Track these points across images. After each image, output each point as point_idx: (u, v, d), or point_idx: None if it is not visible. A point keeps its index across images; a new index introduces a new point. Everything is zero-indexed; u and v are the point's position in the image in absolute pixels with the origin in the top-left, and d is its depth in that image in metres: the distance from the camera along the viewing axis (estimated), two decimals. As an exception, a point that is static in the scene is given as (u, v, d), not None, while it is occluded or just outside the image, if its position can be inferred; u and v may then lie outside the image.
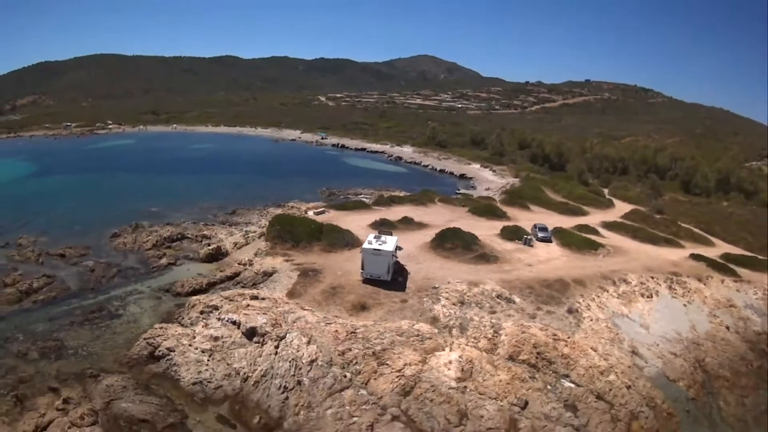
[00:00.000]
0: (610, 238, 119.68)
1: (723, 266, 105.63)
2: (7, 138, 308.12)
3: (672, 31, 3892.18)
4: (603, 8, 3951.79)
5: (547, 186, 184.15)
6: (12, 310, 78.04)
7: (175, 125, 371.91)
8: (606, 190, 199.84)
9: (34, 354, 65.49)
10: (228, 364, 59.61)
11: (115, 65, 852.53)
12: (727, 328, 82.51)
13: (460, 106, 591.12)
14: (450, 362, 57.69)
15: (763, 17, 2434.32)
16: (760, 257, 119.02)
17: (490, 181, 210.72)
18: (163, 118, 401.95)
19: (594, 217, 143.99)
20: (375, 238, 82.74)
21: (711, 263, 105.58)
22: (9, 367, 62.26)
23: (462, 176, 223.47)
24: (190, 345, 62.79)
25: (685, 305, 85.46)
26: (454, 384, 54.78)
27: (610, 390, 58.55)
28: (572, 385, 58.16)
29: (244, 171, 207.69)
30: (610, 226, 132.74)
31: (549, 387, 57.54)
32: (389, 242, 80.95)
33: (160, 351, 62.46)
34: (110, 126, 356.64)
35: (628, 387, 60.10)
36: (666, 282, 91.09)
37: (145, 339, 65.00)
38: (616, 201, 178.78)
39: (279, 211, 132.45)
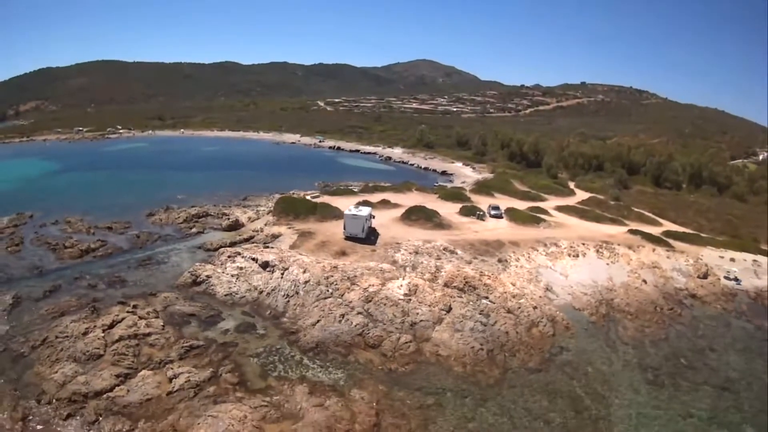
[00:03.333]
0: (558, 217, 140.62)
1: (657, 239, 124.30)
2: (21, 142, 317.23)
3: (669, 33, 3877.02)
4: (602, 11, 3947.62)
5: (517, 179, 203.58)
6: (76, 262, 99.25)
7: (182, 129, 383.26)
8: (572, 183, 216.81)
9: (102, 285, 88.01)
10: (249, 283, 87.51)
11: (116, 71, 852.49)
12: (644, 281, 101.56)
13: (455, 109, 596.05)
14: (401, 285, 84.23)
15: (761, 17, 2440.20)
16: (702, 235, 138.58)
17: (467, 176, 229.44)
18: (169, 123, 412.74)
19: (550, 203, 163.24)
20: (354, 207, 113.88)
21: (646, 236, 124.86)
22: (82, 294, 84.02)
23: (443, 172, 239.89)
24: (222, 273, 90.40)
25: (608, 264, 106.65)
26: (402, 297, 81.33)
27: (519, 308, 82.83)
28: (488, 302, 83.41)
29: (251, 168, 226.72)
30: (562, 208, 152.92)
31: (470, 302, 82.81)
32: (364, 210, 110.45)
33: (200, 278, 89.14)
34: (120, 130, 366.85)
35: (534, 308, 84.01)
36: (595, 247, 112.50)
37: (188, 272, 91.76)
38: (580, 191, 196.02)
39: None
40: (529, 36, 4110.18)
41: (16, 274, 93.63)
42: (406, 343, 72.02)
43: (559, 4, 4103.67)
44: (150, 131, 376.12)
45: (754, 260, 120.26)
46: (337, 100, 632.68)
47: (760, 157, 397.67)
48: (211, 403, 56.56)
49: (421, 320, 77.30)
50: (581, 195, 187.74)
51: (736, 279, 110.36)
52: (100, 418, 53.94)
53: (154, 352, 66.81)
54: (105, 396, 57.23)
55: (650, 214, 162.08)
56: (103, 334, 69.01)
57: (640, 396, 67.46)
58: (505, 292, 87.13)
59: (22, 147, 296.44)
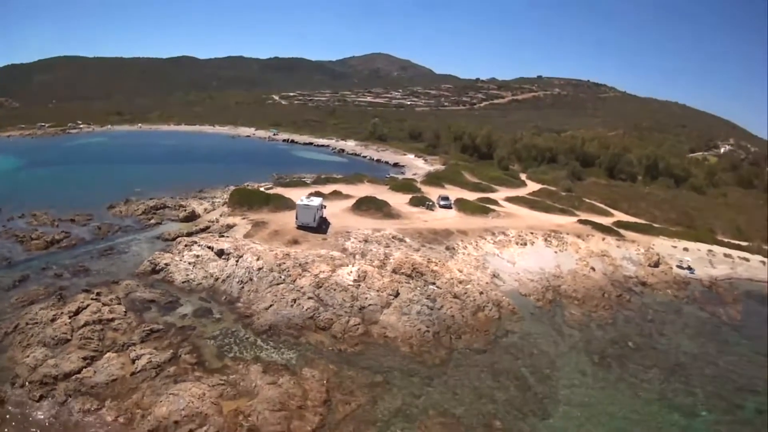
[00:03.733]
0: (508, 208, 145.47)
1: (608, 228, 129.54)
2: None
3: (629, 25, 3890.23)
4: (560, 3, 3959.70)
5: (468, 171, 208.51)
6: (42, 253, 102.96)
7: (140, 124, 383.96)
8: (524, 175, 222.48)
9: (67, 275, 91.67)
10: (205, 271, 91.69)
11: (77, 68, 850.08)
12: (593, 269, 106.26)
13: (409, 103, 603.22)
14: (351, 272, 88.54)
15: (723, 11, 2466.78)
16: (654, 225, 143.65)
17: (419, 168, 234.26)
18: (128, 118, 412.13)
19: (500, 194, 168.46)
20: (306, 197, 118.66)
21: (596, 226, 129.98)
22: (49, 283, 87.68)
23: (395, 164, 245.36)
24: (180, 261, 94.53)
25: (556, 252, 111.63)
26: (351, 283, 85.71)
27: (465, 293, 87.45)
28: (435, 288, 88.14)
29: (207, 161, 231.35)
30: (512, 199, 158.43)
31: (418, 288, 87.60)
32: (316, 201, 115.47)
33: (159, 267, 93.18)
34: (81, 126, 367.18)
35: (481, 293, 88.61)
36: (543, 236, 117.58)
37: (148, 261, 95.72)
38: (531, 183, 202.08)
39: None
40: (484, 30, 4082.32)
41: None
42: (355, 325, 76.46)
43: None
44: (109, 126, 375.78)
45: (709, 250, 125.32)
46: (291, 93, 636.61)
47: (722, 150, 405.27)
48: (171, 382, 60.42)
49: (369, 304, 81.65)
50: (533, 186, 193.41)
51: (689, 268, 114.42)
52: (70, 399, 57.45)
53: (117, 335, 70.67)
54: (73, 378, 60.82)
55: (602, 205, 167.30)
56: (69, 320, 72.58)
57: (586, 377, 70.60)
58: (452, 278, 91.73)
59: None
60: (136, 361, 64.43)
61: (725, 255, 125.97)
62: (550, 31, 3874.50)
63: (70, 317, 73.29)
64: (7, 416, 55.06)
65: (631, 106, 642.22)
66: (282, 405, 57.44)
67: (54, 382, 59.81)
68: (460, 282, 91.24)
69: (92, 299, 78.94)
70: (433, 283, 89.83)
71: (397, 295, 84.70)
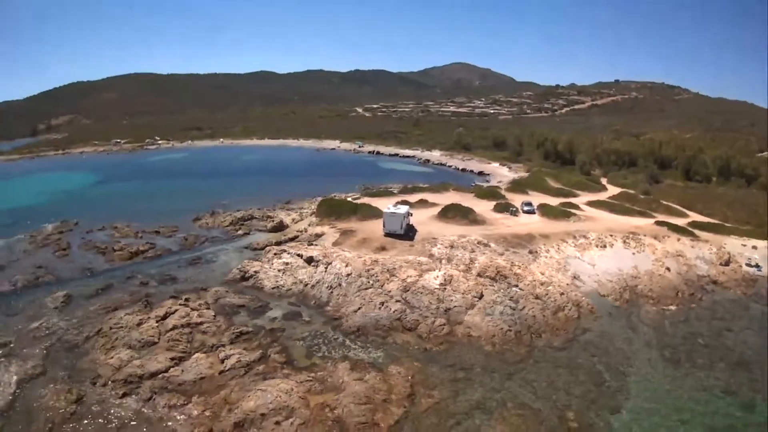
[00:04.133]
0: (588, 211, 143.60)
1: (683, 229, 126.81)
2: (56, 155, 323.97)
3: (700, 27, 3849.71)
4: (633, 7, 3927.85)
5: (551, 177, 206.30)
6: (126, 264, 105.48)
7: (222, 139, 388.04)
8: (605, 179, 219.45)
9: (154, 283, 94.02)
10: (295, 277, 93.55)
11: (149, 84, 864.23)
12: (668, 269, 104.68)
13: (492, 111, 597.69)
14: (437, 276, 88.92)
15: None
16: (726, 225, 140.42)
17: (504, 175, 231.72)
18: (208, 133, 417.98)
19: (582, 198, 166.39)
20: (393, 206, 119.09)
21: (672, 227, 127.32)
22: (135, 291, 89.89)
23: (480, 173, 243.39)
24: (269, 268, 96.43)
25: (634, 253, 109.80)
26: (437, 286, 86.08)
27: (546, 294, 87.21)
28: (518, 290, 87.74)
29: (293, 174, 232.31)
30: (593, 203, 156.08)
31: (501, 290, 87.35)
32: (402, 209, 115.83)
33: (248, 274, 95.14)
34: (159, 141, 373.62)
35: (561, 294, 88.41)
36: (622, 238, 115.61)
37: (237, 268, 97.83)
38: (611, 187, 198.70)
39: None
40: (562, 36, 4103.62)
41: (65, 275, 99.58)
42: (441, 325, 77.01)
43: (591, 5, 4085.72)
44: (189, 141, 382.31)
45: None
46: (375, 105, 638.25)
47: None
48: (260, 380, 61.58)
49: (454, 306, 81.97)
50: (613, 190, 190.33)
51: (757, 266, 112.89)
52: (155, 395, 58.74)
53: (206, 338, 72.08)
54: (160, 376, 62.32)
55: (678, 207, 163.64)
56: (156, 324, 74.25)
57: (657, 372, 70.88)
58: (534, 281, 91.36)
59: (58, 160, 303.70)
60: (225, 360, 65.94)
61: None
62: (626, 36, 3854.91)
63: (157, 321, 75.38)
64: (85, 413, 56.53)
65: (703, 107, 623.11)
66: (367, 399, 58.22)
67: (139, 380, 61.34)
68: (542, 284, 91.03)
69: (180, 305, 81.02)
70: (516, 286, 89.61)
71: (481, 297, 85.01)
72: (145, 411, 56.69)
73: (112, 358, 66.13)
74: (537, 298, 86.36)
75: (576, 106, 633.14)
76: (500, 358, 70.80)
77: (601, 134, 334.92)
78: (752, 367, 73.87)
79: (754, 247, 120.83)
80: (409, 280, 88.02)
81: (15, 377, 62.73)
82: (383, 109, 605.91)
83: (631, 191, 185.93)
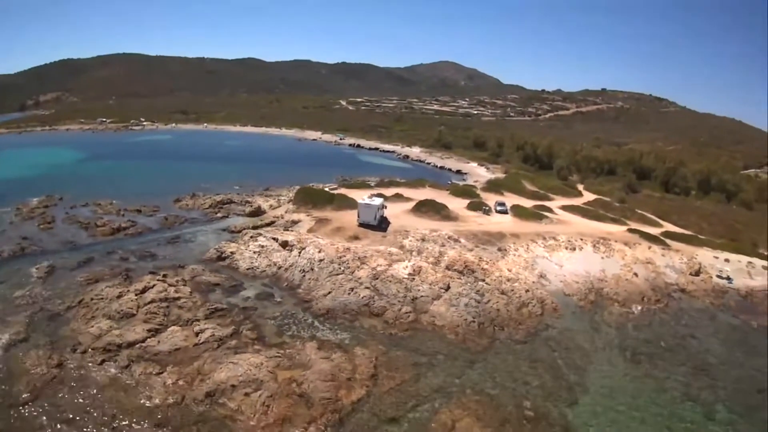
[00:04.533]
0: (562, 215, 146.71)
1: (654, 238, 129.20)
2: (42, 131, 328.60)
3: (690, 42, 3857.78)
4: (624, 19, 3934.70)
5: (527, 179, 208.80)
6: (108, 239, 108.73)
7: (205, 124, 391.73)
8: (581, 186, 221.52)
9: (134, 259, 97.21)
10: (269, 260, 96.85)
11: (138, 65, 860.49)
12: (636, 275, 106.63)
13: (475, 112, 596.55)
14: (406, 267, 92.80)
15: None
16: (700, 236, 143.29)
17: (481, 175, 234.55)
18: (192, 117, 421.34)
19: (557, 202, 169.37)
20: (368, 197, 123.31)
21: (644, 235, 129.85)
22: (115, 265, 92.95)
23: (458, 171, 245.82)
24: (245, 250, 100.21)
25: (602, 258, 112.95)
26: (406, 276, 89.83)
27: (512, 290, 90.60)
28: (484, 284, 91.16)
29: (273, 162, 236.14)
30: (567, 208, 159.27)
31: (468, 283, 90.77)
32: (377, 200, 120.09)
33: (225, 254, 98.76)
34: (144, 123, 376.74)
35: (526, 291, 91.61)
36: (592, 242, 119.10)
37: (214, 248, 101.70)
38: (587, 193, 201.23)
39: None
40: (552, 41, 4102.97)
41: (49, 247, 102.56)
42: (407, 313, 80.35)
43: (583, 11, 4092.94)
44: (173, 124, 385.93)
45: (749, 262, 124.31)
46: (359, 99, 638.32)
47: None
48: (232, 353, 64.97)
49: (421, 296, 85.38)
50: (588, 196, 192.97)
51: (728, 278, 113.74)
52: (132, 363, 61.96)
53: (182, 312, 75.23)
54: (137, 346, 65.56)
55: (652, 216, 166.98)
56: (135, 297, 77.32)
57: (616, 370, 73.51)
58: (501, 276, 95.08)
59: (44, 136, 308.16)
60: (200, 334, 69.20)
61: (764, 267, 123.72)
62: (616, 45, 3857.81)
63: (136, 295, 78.45)
64: (66, 378, 59.56)
65: (689, 121, 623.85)
66: (332, 376, 61.52)
67: (117, 349, 64.48)
68: (508, 280, 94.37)
69: (158, 280, 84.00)
70: (483, 280, 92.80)
71: (448, 288, 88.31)
72: (122, 377, 59.66)
73: (92, 327, 69.19)
74: (502, 293, 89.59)
75: (560, 112, 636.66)
76: (462, 347, 73.80)
77: (581, 141, 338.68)
78: (714, 374, 75.55)
79: (727, 260, 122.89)
80: (379, 268, 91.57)
81: (0, 341, 65.44)
82: (367, 104, 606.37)
83: (607, 198, 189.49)
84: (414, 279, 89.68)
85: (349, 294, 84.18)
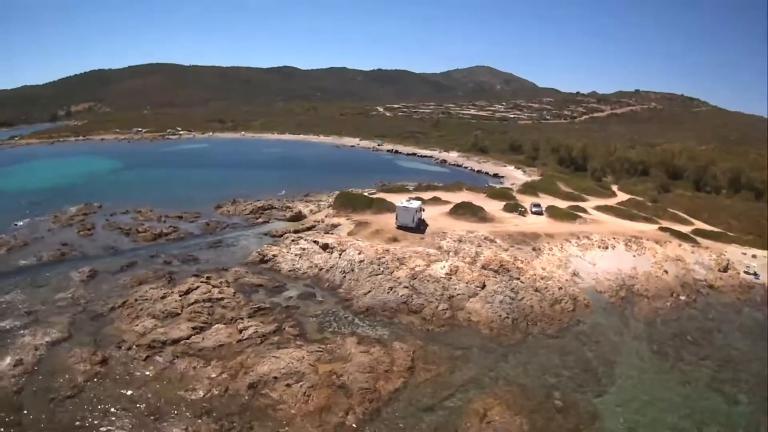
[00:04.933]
0: (595, 215, 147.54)
1: (685, 236, 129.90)
2: (76, 141, 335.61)
3: (722, 42, 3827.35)
4: (656, 20, 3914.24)
5: (562, 181, 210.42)
6: (150, 244, 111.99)
7: (243, 132, 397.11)
8: (615, 186, 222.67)
9: (177, 262, 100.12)
10: (311, 262, 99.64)
11: (172, 75, 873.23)
12: (666, 272, 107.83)
13: (512, 116, 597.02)
14: (444, 267, 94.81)
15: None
16: (729, 233, 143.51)
17: (518, 178, 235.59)
18: (229, 126, 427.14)
19: (590, 203, 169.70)
20: (405, 201, 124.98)
21: (675, 233, 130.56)
22: (158, 268, 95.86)
23: (495, 175, 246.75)
24: (287, 253, 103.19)
25: (634, 256, 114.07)
26: (443, 275, 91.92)
27: (545, 288, 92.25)
28: (519, 282, 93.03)
29: (312, 169, 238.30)
30: (600, 208, 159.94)
31: (503, 281, 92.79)
32: (415, 203, 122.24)
33: (267, 257, 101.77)
34: (180, 132, 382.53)
35: (559, 288, 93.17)
36: (624, 241, 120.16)
37: (257, 252, 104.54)
38: (621, 194, 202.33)
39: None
40: (586, 43, 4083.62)
41: (90, 252, 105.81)
42: (443, 310, 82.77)
43: (617, 14, 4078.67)
44: (210, 133, 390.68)
45: None
46: (396, 105, 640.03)
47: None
48: (274, 348, 67.56)
49: (458, 294, 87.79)
50: (622, 197, 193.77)
51: (755, 274, 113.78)
52: (177, 359, 64.59)
53: (226, 311, 77.97)
54: (182, 343, 68.28)
55: (684, 215, 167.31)
56: (179, 298, 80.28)
57: (644, 363, 75.28)
58: (535, 275, 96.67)
59: (79, 146, 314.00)
60: (243, 331, 71.90)
61: None
62: (649, 46, 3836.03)
63: (180, 296, 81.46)
64: (110, 373, 62.10)
65: (720, 120, 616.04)
66: (371, 369, 64.08)
67: (162, 346, 67.15)
68: (542, 278, 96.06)
69: (202, 282, 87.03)
70: (518, 278, 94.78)
71: (483, 287, 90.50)
72: (167, 372, 62.15)
73: (136, 325, 71.96)
74: (536, 290, 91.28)
75: (595, 114, 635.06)
76: (496, 341, 76.15)
77: (616, 143, 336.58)
78: (738, 367, 76.23)
79: (754, 256, 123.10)
80: (417, 269, 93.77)
81: (41, 341, 67.95)
82: (404, 110, 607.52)
83: (640, 198, 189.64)
84: (451, 278, 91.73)
85: (388, 293, 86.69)
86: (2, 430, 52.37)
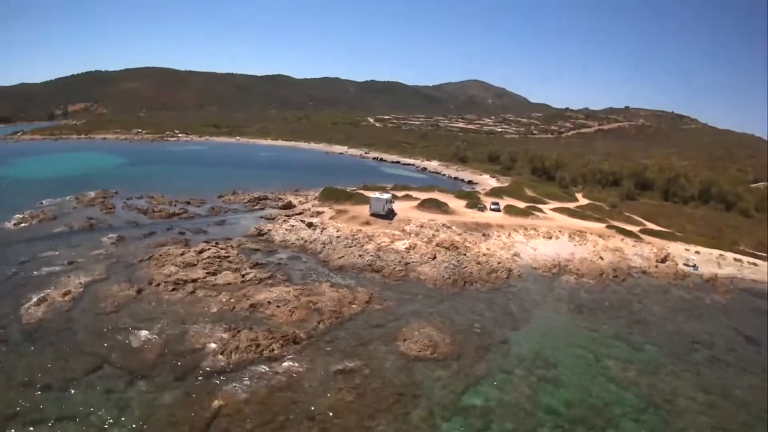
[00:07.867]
0: (550, 215, 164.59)
1: (629, 232, 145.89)
2: (79, 139, 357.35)
3: (718, 60, 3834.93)
4: (648, 37, 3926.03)
5: (529, 188, 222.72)
6: (165, 221, 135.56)
7: (238, 137, 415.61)
8: (581, 194, 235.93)
9: (190, 233, 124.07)
10: (298, 235, 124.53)
11: (167, 78, 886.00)
12: (602, 258, 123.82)
13: (499, 130, 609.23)
14: (404, 244, 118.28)
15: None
16: (677, 234, 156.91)
17: (490, 185, 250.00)
18: (225, 131, 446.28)
19: (550, 205, 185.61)
20: (378, 192, 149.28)
21: (621, 230, 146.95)
22: (175, 236, 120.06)
23: (470, 182, 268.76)
24: (279, 228, 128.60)
25: (575, 245, 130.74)
26: (403, 249, 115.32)
27: (486, 262, 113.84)
28: (464, 257, 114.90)
29: (303, 171, 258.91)
30: (558, 209, 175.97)
31: (451, 255, 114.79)
32: (386, 195, 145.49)
33: (263, 231, 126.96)
34: (178, 134, 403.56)
35: (499, 263, 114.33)
36: (569, 234, 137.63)
37: (254, 227, 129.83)
38: (584, 199, 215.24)
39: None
40: (579, 59, 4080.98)
41: (115, 225, 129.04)
42: (399, 270, 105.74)
43: (610, 32, 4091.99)
44: (207, 137, 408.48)
45: (720, 254, 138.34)
46: (386, 116, 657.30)
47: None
48: (269, 287, 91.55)
49: (413, 261, 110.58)
50: (583, 202, 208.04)
51: (694, 266, 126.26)
52: (197, 290, 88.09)
53: (231, 265, 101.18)
54: (199, 281, 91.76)
55: (638, 218, 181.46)
56: (195, 255, 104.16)
57: (559, 315, 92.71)
58: (479, 253, 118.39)
59: (82, 143, 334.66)
60: (245, 275, 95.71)
61: (735, 259, 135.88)
62: (645, 64, 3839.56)
63: (195, 253, 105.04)
64: (144, 299, 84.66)
65: (708, 137, 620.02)
66: (338, 301, 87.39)
67: (184, 283, 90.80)
68: (485, 255, 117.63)
69: (212, 246, 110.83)
70: (464, 254, 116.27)
71: (434, 258, 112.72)
72: (189, 297, 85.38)
73: (163, 270, 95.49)
74: (478, 263, 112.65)
75: (582, 130, 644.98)
76: (438, 292, 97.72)
77: (592, 156, 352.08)
78: (651, 327, 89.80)
79: (697, 252, 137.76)
80: (383, 244, 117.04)
81: (84, 279, 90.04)
82: (394, 121, 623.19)
83: (599, 203, 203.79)
84: (409, 252, 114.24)
85: (357, 258, 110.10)
86: (57, 333, 72.37)
